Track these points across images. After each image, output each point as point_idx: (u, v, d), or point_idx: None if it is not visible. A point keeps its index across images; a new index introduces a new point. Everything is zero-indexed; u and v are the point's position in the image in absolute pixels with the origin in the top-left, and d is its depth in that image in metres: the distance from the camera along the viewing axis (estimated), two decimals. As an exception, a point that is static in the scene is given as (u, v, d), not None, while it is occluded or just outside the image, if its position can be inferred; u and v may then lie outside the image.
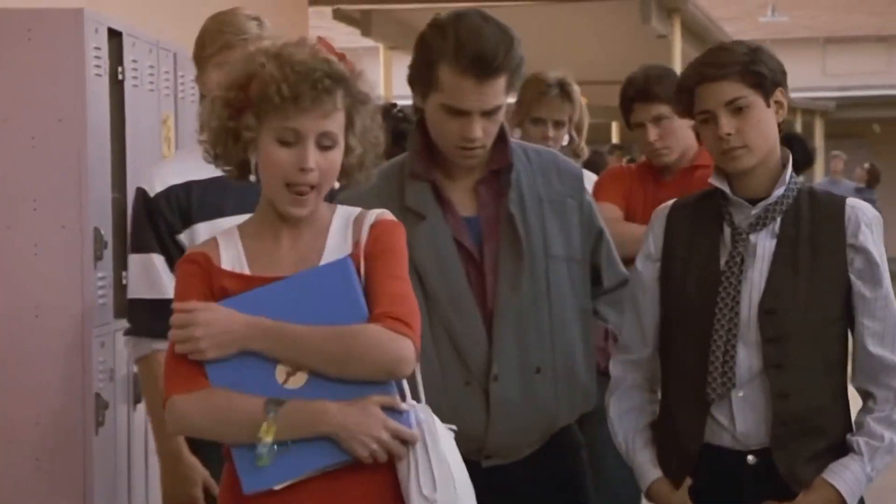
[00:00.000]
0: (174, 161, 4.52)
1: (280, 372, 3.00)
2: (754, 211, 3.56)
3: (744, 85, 3.53)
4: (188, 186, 4.10)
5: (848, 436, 3.56)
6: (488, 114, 3.51)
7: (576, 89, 5.54)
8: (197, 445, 4.04)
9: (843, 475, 3.51)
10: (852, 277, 3.57)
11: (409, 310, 3.03)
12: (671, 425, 3.64)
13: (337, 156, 3.07)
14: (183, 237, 4.09)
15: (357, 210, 3.17)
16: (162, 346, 4.05)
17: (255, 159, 3.09)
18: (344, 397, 2.97)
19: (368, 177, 3.17)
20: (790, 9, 24.39)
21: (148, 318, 4.11)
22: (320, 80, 3.00)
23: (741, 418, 3.54)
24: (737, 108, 3.52)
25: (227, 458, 3.04)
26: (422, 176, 3.62)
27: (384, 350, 2.98)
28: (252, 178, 3.13)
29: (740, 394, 3.53)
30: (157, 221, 4.13)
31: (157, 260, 4.12)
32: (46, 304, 4.86)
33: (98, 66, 5.08)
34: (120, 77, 5.25)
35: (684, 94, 3.59)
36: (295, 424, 2.94)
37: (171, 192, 4.11)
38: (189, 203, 4.10)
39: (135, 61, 5.27)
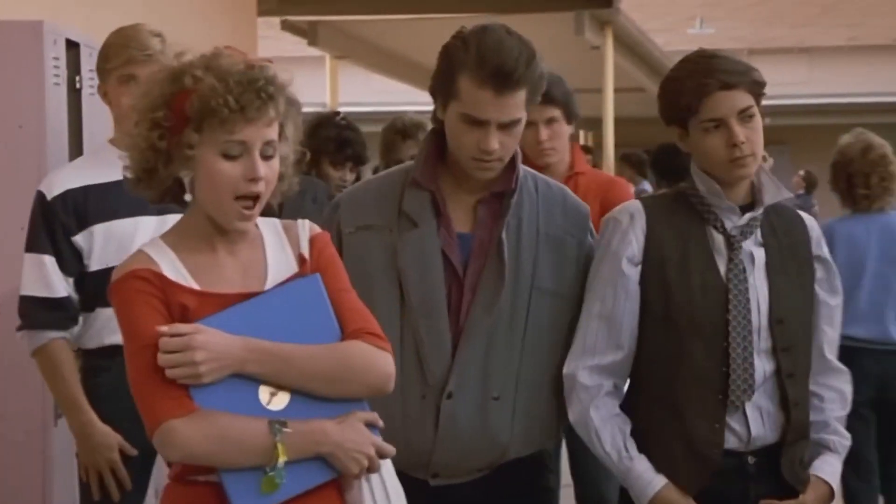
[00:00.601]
0: (75, 166, 4.64)
1: (263, 392, 2.88)
2: (741, 221, 3.52)
3: (751, 95, 3.49)
4: (86, 190, 4.31)
5: (822, 434, 3.66)
6: (506, 126, 3.42)
7: None
8: (104, 414, 4.28)
9: (830, 472, 3.64)
10: (816, 287, 3.62)
11: (376, 324, 2.99)
12: (682, 432, 3.52)
13: (276, 164, 2.93)
14: (79, 238, 4.31)
15: (277, 220, 3.06)
16: (57, 335, 4.31)
17: (187, 178, 2.91)
18: (325, 415, 2.90)
19: (292, 185, 3.03)
20: (716, 21, 24.50)
21: (40, 312, 4.33)
22: (264, 88, 2.86)
23: (755, 424, 3.51)
24: (747, 117, 3.48)
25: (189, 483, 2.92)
26: (422, 185, 3.52)
27: (375, 367, 2.94)
28: (188, 197, 2.95)
29: (752, 399, 3.51)
30: (52, 224, 4.32)
31: (48, 260, 4.33)
32: (7, 303, 4.86)
33: (57, 76, 5.10)
34: (77, 86, 5.28)
35: (693, 100, 3.47)
36: (299, 445, 2.84)
37: (69, 195, 4.33)
38: (86, 206, 4.30)
39: (91, 70, 5.26)
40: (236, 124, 2.84)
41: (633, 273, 3.53)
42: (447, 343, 3.46)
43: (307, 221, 3.08)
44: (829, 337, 3.67)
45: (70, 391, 4.34)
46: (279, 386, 2.88)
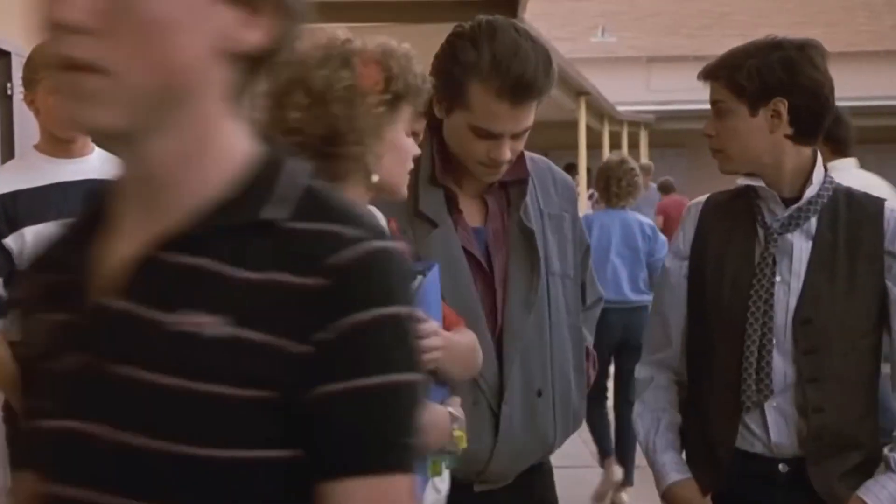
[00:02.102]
0: (5, 169, 4.69)
1: None
2: (786, 212, 3.18)
3: (728, 91, 3.19)
4: (15, 195, 4.36)
5: (885, 450, 3.19)
6: (518, 134, 3.11)
7: None
8: None
9: (879, 494, 3.15)
10: (889, 284, 3.17)
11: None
12: (704, 433, 3.29)
13: None
14: (9, 240, 4.35)
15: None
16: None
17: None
18: (434, 399, 2.80)
19: None
20: (618, 31, 24.75)
21: None
22: None
23: (775, 428, 3.19)
24: (718, 111, 3.23)
25: None
26: (439, 181, 3.18)
27: (480, 353, 2.90)
28: (375, 177, 2.68)
29: (774, 403, 3.18)
30: None
31: None
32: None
33: (-13, 83, 5.09)
34: (9, 92, 5.28)
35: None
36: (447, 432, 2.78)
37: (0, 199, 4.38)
38: (16, 210, 4.35)
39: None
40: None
41: (678, 267, 3.32)
42: (490, 345, 3.14)
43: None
44: None
45: (8, 371, 4.37)
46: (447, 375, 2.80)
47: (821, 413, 3.16)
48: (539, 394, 3.23)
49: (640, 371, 3.41)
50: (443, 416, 2.75)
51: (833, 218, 3.20)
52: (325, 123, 2.60)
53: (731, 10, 31.66)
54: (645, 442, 3.36)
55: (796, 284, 3.17)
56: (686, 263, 3.31)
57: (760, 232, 3.21)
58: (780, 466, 3.19)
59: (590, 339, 3.48)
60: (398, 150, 2.72)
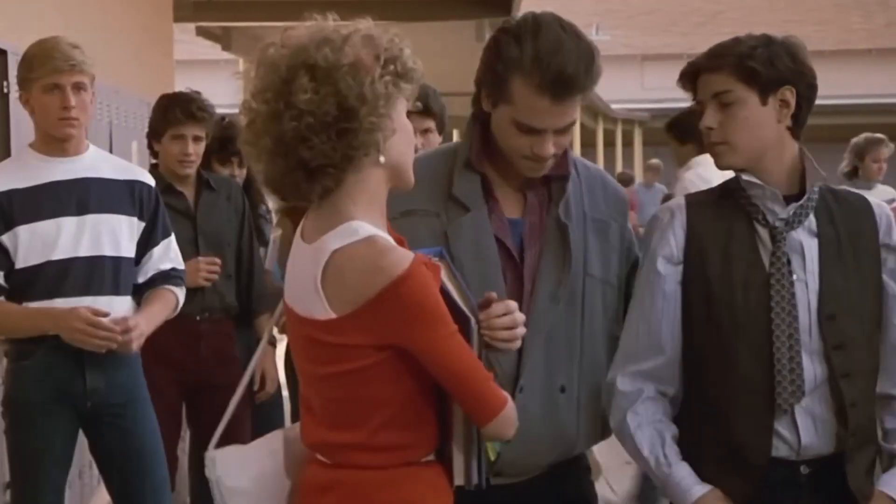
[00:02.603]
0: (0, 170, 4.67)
1: None
2: (790, 209, 3.11)
3: (735, 79, 3.10)
4: (10, 194, 4.41)
5: (893, 444, 3.20)
6: (562, 130, 3.10)
7: None
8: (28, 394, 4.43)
9: None
10: (885, 278, 3.16)
11: None
12: (730, 441, 3.13)
13: None
14: (5, 238, 4.40)
15: None
16: None
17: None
18: None
19: None
20: (612, 29, 24.78)
21: None
22: None
23: (806, 430, 3.10)
24: (723, 103, 3.12)
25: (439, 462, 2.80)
26: (474, 168, 3.18)
27: None
28: (382, 158, 2.71)
29: (802, 404, 3.10)
30: None
31: None
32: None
33: (-16, 82, 5.09)
34: (5, 91, 5.28)
35: (687, 82, 3.20)
36: None
37: None
38: (11, 209, 4.39)
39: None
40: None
41: (672, 272, 3.18)
42: None
43: None
44: None
45: (19, 315, 4.45)
46: None
47: (856, 408, 3.10)
48: (562, 390, 3.18)
49: (623, 383, 3.20)
50: (514, 408, 2.77)
51: (828, 213, 3.15)
52: (336, 101, 2.63)
53: (724, 9, 31.69)
54: (653, 456, 3.18)
55: (813, 282, 3.10)
56: (681, 269, 3.18)
57: (762, 231, 3.13)
58: (802, 468, 3.12)
59: None
60: (405, 130, 2.75)
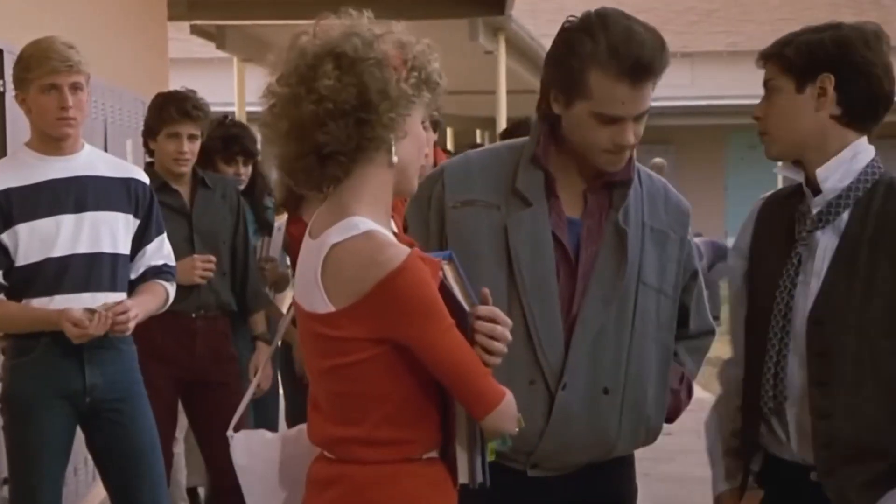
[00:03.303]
0: None
1: None
2: (815, 208, 3.05)
3: (776, 67, 3.07)
4: (7, 193, 4.44)
5: None
6: (639, 117, 3.14)
7: None
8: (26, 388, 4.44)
9: None
10: None
11: None
12: (741, 436, 3.20)
13: None
14: (4, 237, 4.44)
15: None
16: None
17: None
18: None
19: None
20: (604, 27, 24.82)
21: None
22: None
23: (795, 435, 3.05)
24: (768, 91, 3.10)
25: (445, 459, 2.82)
26: (539, 164, 3.20)
27: None
28: (395, 158, 2.76)
29: (793, 409, 3.04)
30: None
31: None
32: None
33: (-20, 81, 5.10)
34: (1, 89, 5.28)
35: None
36: None
37: None
38: (10, 208, 4.43)
39: (13, 75, 5.31)
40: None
41: (740, 266, 3.22)
42: (560, 329, 3.16)
43: None
44: None
45: (23, 316, 4.48)
46: None
47: (828, 420, 2.97)
48: (605, 391, 3.18)
49: (722, 373, 3.32)
50: (514, 402, 2.78)
51: (865, 211, 3.01)
52: (357, 91, 2.67)
53: (718, 7, 31.67)
54: (709, 451, 3.30)
55: (815, 284, 3.02)
56: (747, 263, 3.21)
57: (798, 230, 3.09)
58: (812, 475, 3.03)
59: (692, 369, 3.41)
60: (417, 137, 2.79)
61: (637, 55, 3.05)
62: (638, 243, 3.21)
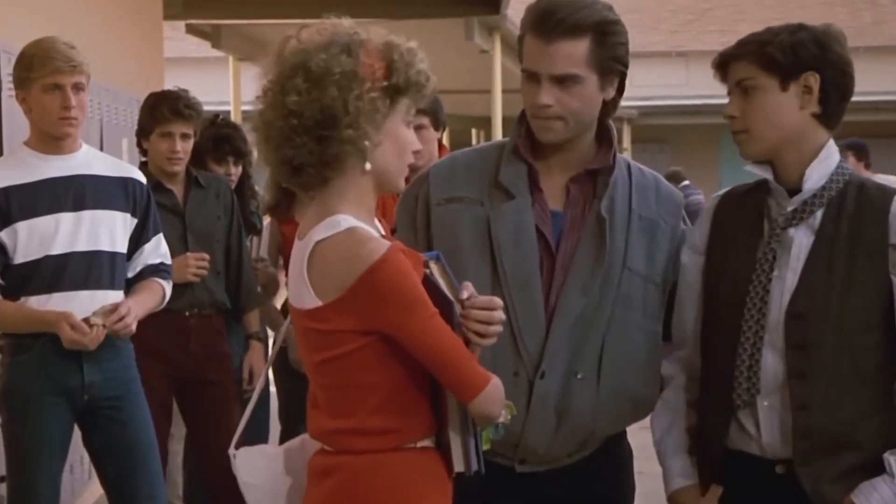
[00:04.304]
0: None
1: None
2: (790, 206, 3.07)
3: (756, 66, 3.06)
4: (7, 192, 4.46)
5: (885, 454, 3.00)
6: (560, 81, 3.13)
7: None
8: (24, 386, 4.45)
9: (871, 497, 2.97)
10: (894, 279, 3.00)
11: None
12: (701, 430, 3.21)
13: None
14: (3, 235, 4.45)
15: None
16: None
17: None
18: None
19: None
20: (599, 26, 24.84)
21: None
22: None
23: (767, 428, 3.06)
24: (745, 91, 3.09)
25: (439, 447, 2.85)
26: (521, 156, 3.24)
27: None
28: (368, 165, 2.79)
29: (766, 402, 3.06)
30: None
31: None
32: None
33: (-24, 79, 5.10)
34: (-1, 89, 5.29)
35: (719, 73, 3.15)
36: None
37: None
38: (9, 206, 4.44)
39: (10, 74, 5.30)
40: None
41: (693, 262, 3.23)
42: (541, 319, 3.18)
43: None
44: None
45: (17, 316, 4.48)
46: None
47: (806, 411, 3.01)
48: (576, 374, 3.18)
49: (666, 367, 3.30)
50: (501, 387, 2.82)
51: (838, 211, 3.06)
52: (321, 106, 2.71)
53: (712, 7, 31.71)
54: (658, 443, 3.28)
55: (792, 279, 3.05)
56: (703, 259, 3.22)
57: (766, 226, 3.11)
58: (778, 468, 3.06)
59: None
60: (396, 141, 2.81)
61: (544, 8, 3.12)
62: (623, 230, 3.22)
